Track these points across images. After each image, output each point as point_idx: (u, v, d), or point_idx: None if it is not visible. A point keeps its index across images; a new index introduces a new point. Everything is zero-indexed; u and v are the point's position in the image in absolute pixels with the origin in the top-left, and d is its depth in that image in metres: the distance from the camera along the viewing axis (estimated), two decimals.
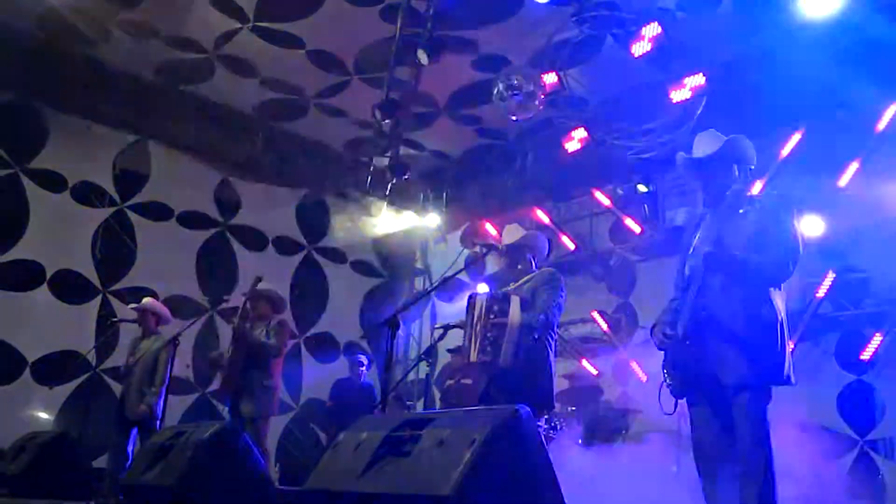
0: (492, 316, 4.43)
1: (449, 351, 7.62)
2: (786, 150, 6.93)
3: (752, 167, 3.64)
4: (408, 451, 2.44)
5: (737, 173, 3.54)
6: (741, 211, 3.46)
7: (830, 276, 6.76)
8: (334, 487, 2.64)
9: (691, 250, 3.60)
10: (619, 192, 8.55)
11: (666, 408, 3.51)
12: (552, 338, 4.67)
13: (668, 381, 3.51)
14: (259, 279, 6.46)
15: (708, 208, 3.70)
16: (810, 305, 6.80)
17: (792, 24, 5.91)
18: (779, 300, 3.40)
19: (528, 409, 2.45)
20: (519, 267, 4.79)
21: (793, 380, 3.32)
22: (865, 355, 6.53)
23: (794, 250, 3.38)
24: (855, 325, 6.78)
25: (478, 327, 4.48)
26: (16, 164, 8.31)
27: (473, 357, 4.47)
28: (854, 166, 6.76)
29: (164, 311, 7.33)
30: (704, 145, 3.67)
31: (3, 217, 8.14)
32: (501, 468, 2.23)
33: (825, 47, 6.09)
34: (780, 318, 3.35)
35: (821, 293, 6.80)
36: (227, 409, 6.65)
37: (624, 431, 6.97)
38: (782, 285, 3.44)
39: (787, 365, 3.30)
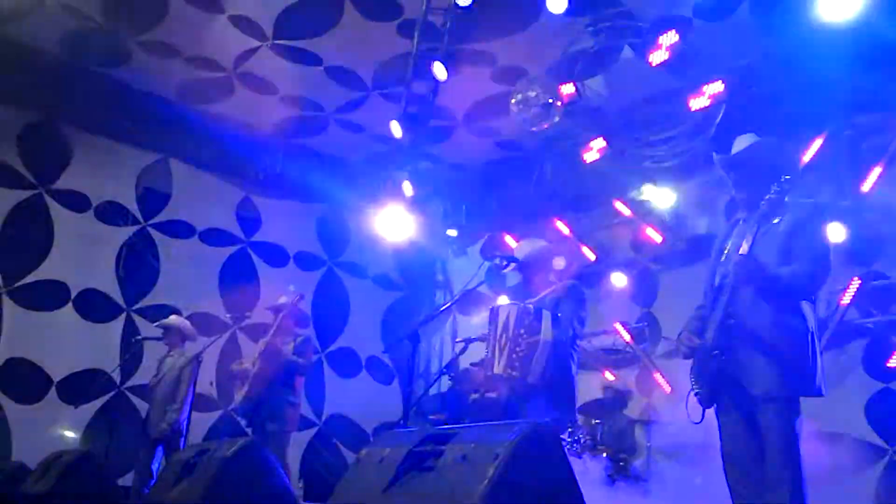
0: (522, 331, 4.38)
1: (473, 365, 7.56)
2: (807, 156, 6.87)
3: (789, 175, 3.54)
4: (431, 466, 2.43)
5: (772, 178, 3.46)
6: (775, 221, 3.39)
7: (856, 283, 6.67)
8: (358, 503, 2.63)
9: (723, 257, 3.55)
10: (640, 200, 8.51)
11: (693, 417, 3.47)
12: (575, 350, 4.64)
13: (695, 389, 3.47)
14: (301, 296, 6.53)
15: (742, 211, 3.64)
16: (836, 312, 6.71)
17: (811, 29, 5.86)
18: (808, 310, 3.35)
19: (552, 421, 2.43)
20: (534, 281, 4.77)
21: (823, 391, 3.26)
22: (893, 362, 6.43)
23: (824, 261, 3.32)
24: (882, 332, 6.68)
25: (503, 340, 4.44)
26: (40, 185, 8.41)
27: (498, 370, 4.42)
28: (877, 171, 6.68)
29: (190, 328, 7.39)
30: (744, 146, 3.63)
31: (28, 237, 8.23)
32: (525, 482, 2.21)
33: (846, 51, 6.04)
34: (810, 329, 3.30)
35: (846, 300, 6.71)
36: (245, 423, 6.66)
37: (648, 443, 6.90)
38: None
39: (817, 376, 3.24)
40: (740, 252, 3.30)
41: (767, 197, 3.34)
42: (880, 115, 6.73)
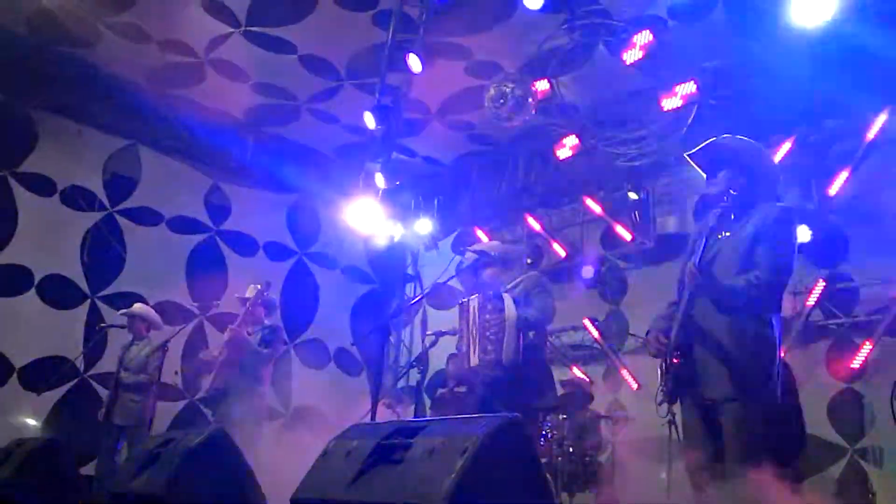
0: (487, 315, 4.44)
1: (451, 356, 7.50)
2: (777, 158, 6.95)
3: (756, 170, 3.54)
4: (399, 460, 2.41)
5: (731, 177, 3.50)
6: (733, 216, 3.43)
7: (820, 285, 6.79)
8: (324, 496, 2.61)
9: (697, 258, 3.54)
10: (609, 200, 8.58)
11: (661, 412, 3.50)
12: (544, 342, 4.69)
13: (662, 387, 3.50)
14: (268, 284, 6.49)
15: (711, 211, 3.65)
16: (800, 314, 6.82)
17: (783, 33, 5.93)
18: (771, 315, 3.36)
19: (522, 415, 2.43)
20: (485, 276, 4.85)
21: (777, 397, 3.29)
22: (855, 364, 6.54)
23: (784, 270, 3.32)
24: (845, 334, 6.79)
25: (474, 331, 4.49)
26: (4, 168, 8.23)
27: (475, 360, 4.47)
28: (844, 174, 6.79)
29: (155, 316, 7.31)
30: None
31: None
32: (494, 476, 2.21)
33: (815, 56, 6.12)
34: (769, 333, 3.31)
35: (811, 301, 6.82)
36: (211, 413, 6.61)
37: (614, 438, 6.96)
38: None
39: (772, 381, 3.27)
40: (688, 265, 3.34)
41: (727, 197, 3.40)
42: (848, 121, 6.83)
